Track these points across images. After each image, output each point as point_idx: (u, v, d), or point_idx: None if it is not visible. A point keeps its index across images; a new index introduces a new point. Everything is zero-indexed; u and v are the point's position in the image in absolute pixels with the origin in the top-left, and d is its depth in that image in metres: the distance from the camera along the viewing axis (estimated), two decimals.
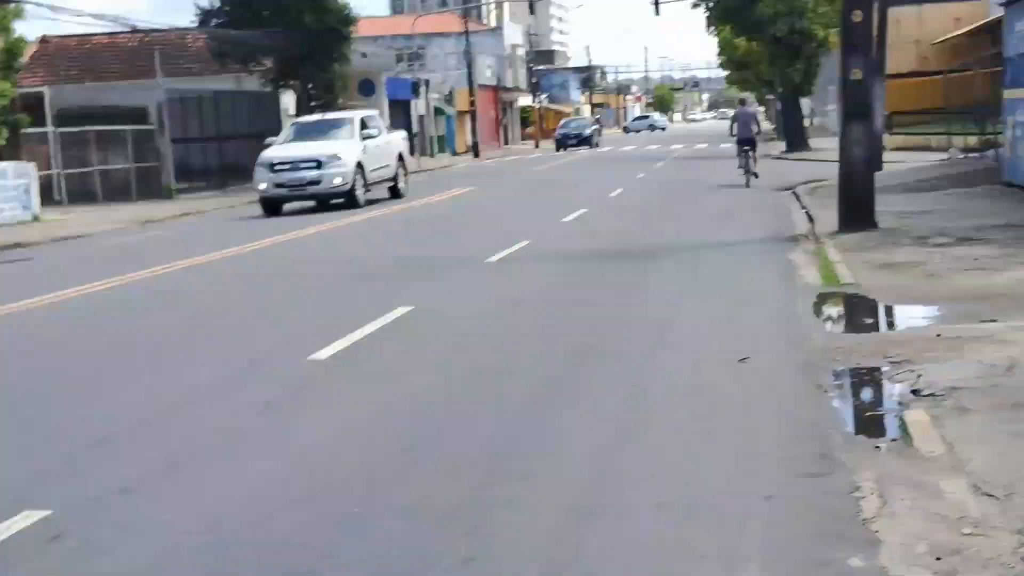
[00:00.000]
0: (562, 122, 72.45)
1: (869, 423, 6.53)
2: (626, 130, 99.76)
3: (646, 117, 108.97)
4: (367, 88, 52.79)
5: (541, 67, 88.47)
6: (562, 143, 63.23)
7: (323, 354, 8.72)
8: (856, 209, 15.23)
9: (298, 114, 39.39)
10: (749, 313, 9.85)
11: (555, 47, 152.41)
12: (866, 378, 7.55)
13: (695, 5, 41.97)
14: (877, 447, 5.82)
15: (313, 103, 39.28)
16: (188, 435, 6.70)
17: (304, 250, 17.56)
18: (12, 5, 25.22)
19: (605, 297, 11.10)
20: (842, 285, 10.98)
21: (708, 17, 42.25)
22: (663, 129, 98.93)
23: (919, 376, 7.06)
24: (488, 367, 8.14)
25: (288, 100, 40.74)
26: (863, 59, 15.16)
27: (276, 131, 42.18)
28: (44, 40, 46.48)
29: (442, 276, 13.24)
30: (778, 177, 28.44)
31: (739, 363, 7.76)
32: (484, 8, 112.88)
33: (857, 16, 15.11)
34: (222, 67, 39.34)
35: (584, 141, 62.95)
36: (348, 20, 38.86)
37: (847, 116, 15.24)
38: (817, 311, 9.92)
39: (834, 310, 10.35)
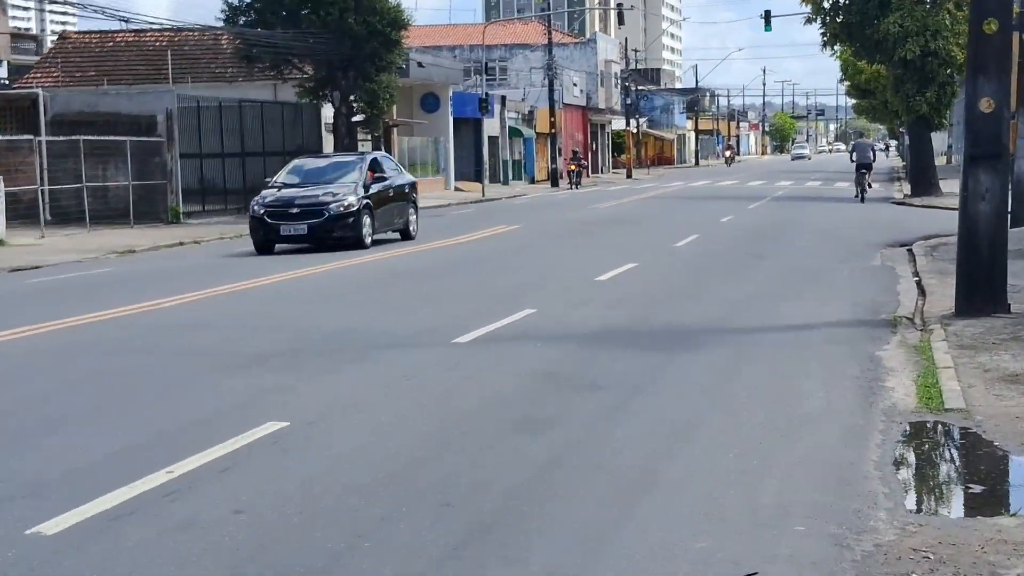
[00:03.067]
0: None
1: None
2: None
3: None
4: (430, 103, 50.75)
5: (640, 87, 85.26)
6: None
7: (51, 527, 5.83)
8: (980, 285, 12.32)
9: (335, 130, 36.98)
10: (788, 462, 6.89)
11: (664, 66, 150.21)
12: None
13: (809, 20, 38.79)
14: None
15: (354, 118, 36.87)
16: None
17: (250, 306, 14.87)
18: None
19: (581, 415, 8.12)
20: (945, 411, 8.12)
21: (823, 35, 38.95)
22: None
23: None
24: None
25: (328, 113, 38.34)
26: (997, 85, 12.06)
27: (316, 146, 40.00)
28: (63, 37, 45.09)
29: (375, 364, 10.25)
30: (893, 228, 25.29)
31: None
32: (588, 18, 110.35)
33: (991, 26, 12.02)
34: (251, 72, 37.19)
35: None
36: (399, 23, 36.24)
37: (971, 158, 12.17)
38: (897, 463, 6.94)
39: (924, 462, 7.34)
